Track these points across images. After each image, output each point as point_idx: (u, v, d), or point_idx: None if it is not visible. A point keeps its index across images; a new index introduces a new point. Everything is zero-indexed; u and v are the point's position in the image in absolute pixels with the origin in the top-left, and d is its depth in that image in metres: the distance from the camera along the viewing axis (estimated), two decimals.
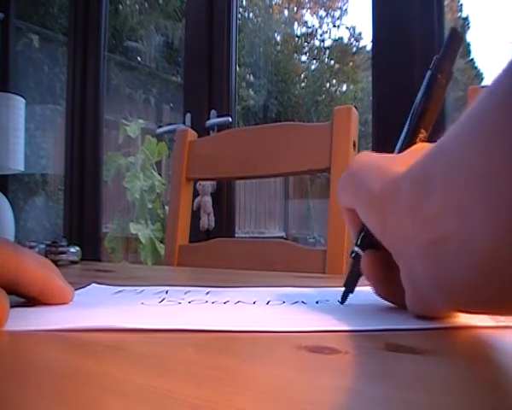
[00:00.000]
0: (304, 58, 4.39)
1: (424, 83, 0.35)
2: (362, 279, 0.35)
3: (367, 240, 0.33)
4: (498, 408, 0.17)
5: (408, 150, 0.33)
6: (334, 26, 4.15)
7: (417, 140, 0.35)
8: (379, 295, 0.34)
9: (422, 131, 0.35)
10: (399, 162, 0.31)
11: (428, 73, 0.35)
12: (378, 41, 1.33)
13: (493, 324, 0.28)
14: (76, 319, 0.29)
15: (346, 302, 0.36)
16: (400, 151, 0.35)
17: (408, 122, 0.36)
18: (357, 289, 0.36)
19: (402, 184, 0.28)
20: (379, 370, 0.22)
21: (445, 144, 0.26)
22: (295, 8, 4.40)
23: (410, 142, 0.35)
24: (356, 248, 0.35)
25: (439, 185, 0.25)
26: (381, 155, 0.34)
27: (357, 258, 0.34)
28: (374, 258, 0.33)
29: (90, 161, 2.14)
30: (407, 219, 0.27)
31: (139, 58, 3.95)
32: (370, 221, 0.32)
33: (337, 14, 4.20)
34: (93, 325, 0.28)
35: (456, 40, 0.34)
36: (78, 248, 0.86)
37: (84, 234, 2.12)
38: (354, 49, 4.17)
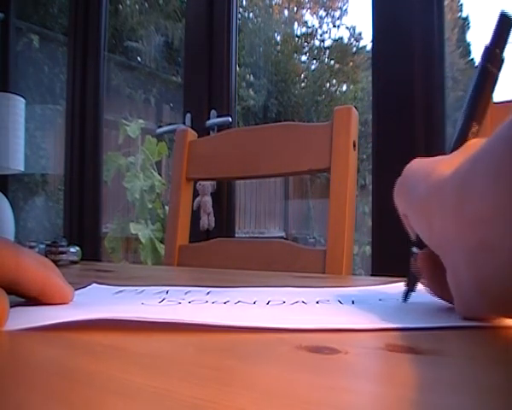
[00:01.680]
0: (304, 58, 4.38)
1: (475, 74, 0.34)
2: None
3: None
4: (499, 409, 0.17)
5: (457, 151, 0.33)
6: (334, 26, 4.14)
7: (470, 134, 0.34)
8: (432, 292, 0.34)
9: (475, 124, 0.34)
10: (445, 163, 0.30)
11: (479, 63, 0.34)
12: (378, 41, 1.33)
13: (495, 324, 0.28)
14: (76, 316, 0.29)
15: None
16: (454, 148, 0.34)
17: (461, 117, 0.35)
18: (363, 288, 0.36)
19: (447, 186, 0.28)
20: (379, 370, 0.22)
21: (490, 146, 0.25)
22: (295, 8, 4.40)
23: (462, 137, 0.34)
24: (414, 249, 0.35)
25: (485, 187, 0.24)
26: (430, 159, 0.33)
27: (415, 258, 0.35)
28: (428, 256, 0.32)
29: (90, 161, 2.14)
30: (452, 222, 0.27)
31: (139, 58, 3.95)
32: (418, 226, 0.32)
33: (337, 14, 4.19)
34: (91, 317, 0.28)
35: (506, 24, 0.32)
36: (78, 248, 0.86)
37: (84, 234, 2.12)
38: (354, 49, 4.16)
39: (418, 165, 0.34)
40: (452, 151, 0.34)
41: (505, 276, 0.24)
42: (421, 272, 0.34)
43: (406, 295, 0.36)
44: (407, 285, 0.36)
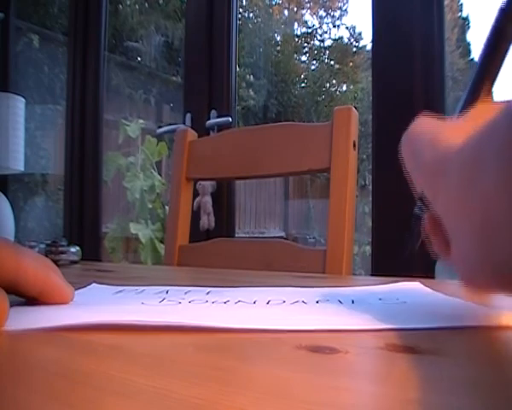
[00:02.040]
0: (304, 58, 4.38)
1: (487, 35, 0.33)
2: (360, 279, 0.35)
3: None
4: (499, 409, 0.17)
5: (466, 116, 0.32)
6: (334, 26, 4.15)
7: (483, 92, 0.33)
8: (439, 254, 0.33)
9: (488, 82, 0.33)
10: (453, 131, 0.30)
11: (492, 24, 0.32)
12: (378, 41, 1.33)
13: (497, 324, 0.28)
14: (76, 317, 0.29)
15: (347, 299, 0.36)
16: (463, 108, 0.33)
17: (473, 76, 0.34)
18: (363, 288, 0.36)
19: (454, 160, 0.27)
20: (379, 370, 0.22)
21: (494, 122, 0.24)
22: (295, 8, 4.40)
23: (474, 94, 0.33)
24: (417, 209, 0.34)
25: (493, 163, 0.24)
26: (437, 122, 0.32)
27: (417, 218, 0.34)
28: (435, 217, 0.32)
29: (90, 161, 2.14)
30: (458, 198, 0.26)
31: (139, 58, 3.95)
32: (425, 190, 0.31)
33: (337, 14, 4.19)
34: (93, 322, 0.28)
35: None
36: (78, 248, 0.86)
37: (84, 234, 2.12)
38: (354, 49, 4.17)
39: (424, 126, 0.33)
40: (462, 110, 0.33)
41: (509, 252, 0.23)
42: (426, 232, 0.33)
43: (409, 251, 0.35)
44: (407, 243, 0.36)
